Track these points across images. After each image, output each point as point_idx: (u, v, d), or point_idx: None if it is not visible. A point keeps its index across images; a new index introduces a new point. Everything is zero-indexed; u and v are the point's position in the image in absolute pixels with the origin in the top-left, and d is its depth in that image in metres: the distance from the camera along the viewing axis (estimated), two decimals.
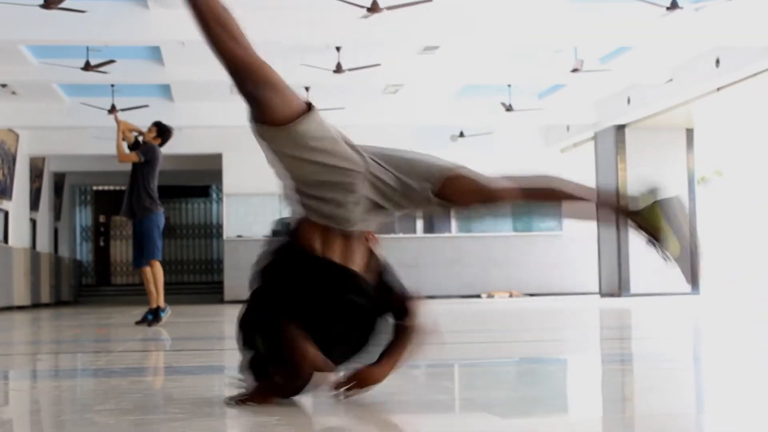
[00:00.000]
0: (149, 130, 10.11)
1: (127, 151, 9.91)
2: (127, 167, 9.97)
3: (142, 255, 9.84)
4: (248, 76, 3.03)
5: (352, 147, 3.19)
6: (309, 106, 3.11)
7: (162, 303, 9.75)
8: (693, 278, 11.27)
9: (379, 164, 3.20)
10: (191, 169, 21.97)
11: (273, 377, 3.10)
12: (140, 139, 10.09)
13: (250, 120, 3.10)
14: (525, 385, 4.19)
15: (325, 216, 3.12)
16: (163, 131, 10.10)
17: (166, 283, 10.13)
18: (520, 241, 20.93)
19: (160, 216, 9.87)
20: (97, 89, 15.70)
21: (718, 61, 14.03)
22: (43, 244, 21.15)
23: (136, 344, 7.10)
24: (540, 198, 3.33)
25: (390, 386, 3.66)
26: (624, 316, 10.68)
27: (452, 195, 3.20)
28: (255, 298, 3.17)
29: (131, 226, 10.13)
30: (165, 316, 9.74)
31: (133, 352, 6.33)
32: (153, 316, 9.63)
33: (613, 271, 18.06)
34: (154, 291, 9.71)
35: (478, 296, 20.19)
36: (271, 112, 3.04)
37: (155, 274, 9.76)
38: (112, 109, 9.65)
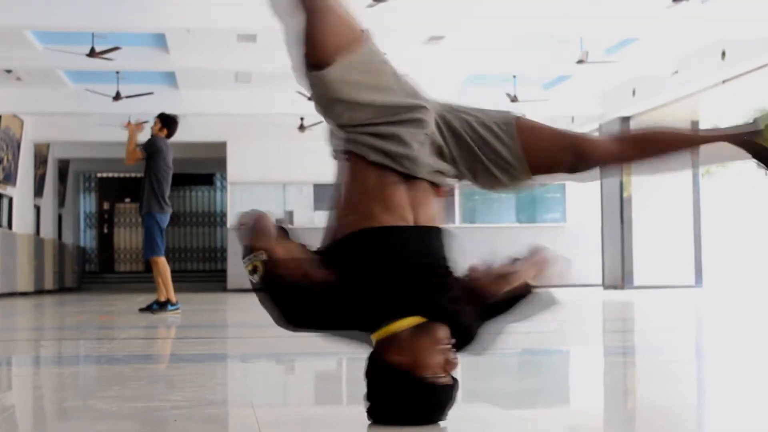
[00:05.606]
0: (154, 123, 10.12)
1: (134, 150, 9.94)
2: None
3: None
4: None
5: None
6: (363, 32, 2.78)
7: (172, 298, 9.70)
8: None
9: (451, 108, 2.82)
10: (195, 157, 21.95)
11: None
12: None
13: (301, 70, 2.71)
14: (527, 376, 4.19)
15: (385, 152, 2.65)
16: (167, 122, 10.09)
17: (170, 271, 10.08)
18: (524, 232, 20.90)
19: (165, 217, 9.80)
20: (102, 76, 15.69)
21: (724, 54, 13.98)
22: (47, 231, 21.16)
23: (139, 331, 7.11)
24: (647, 149, 2.92)
25: None
26: (627, 308, 10.68)
27: (532, 142, 2.85)
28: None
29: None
30: (171, 311, 9.59)
31: (137, 340, 6.35)
32: (159, 306, 9.61)
33: (617, 263, 18.04)
34: (161, 284, 9.70)
35: None
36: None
37: (160, 271, 9.71)
38: (128, 123, 9.84)
